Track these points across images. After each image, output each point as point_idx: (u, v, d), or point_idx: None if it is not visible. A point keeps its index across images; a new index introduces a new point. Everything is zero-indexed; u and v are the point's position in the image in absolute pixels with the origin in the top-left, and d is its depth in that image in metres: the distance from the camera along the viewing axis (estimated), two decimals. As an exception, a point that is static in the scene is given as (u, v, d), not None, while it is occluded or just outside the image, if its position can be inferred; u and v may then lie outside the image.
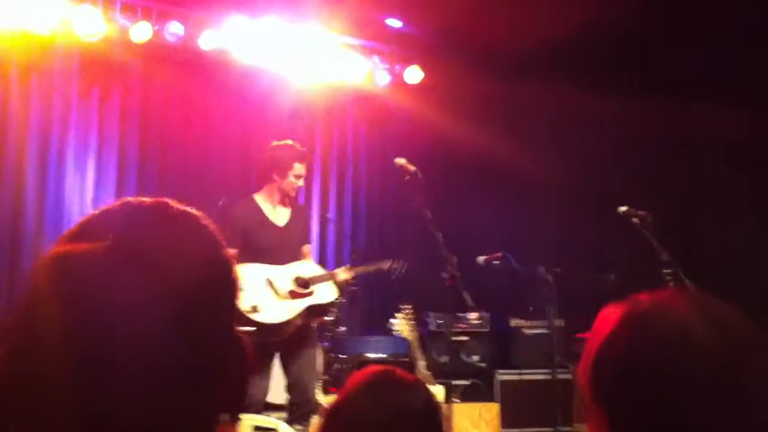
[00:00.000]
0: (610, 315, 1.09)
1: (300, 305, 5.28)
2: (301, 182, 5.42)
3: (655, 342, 1.04)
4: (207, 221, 0.95)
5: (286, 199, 5.47)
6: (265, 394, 5.38)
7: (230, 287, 0.93)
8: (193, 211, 0.96)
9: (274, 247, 5.34)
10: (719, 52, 7.68)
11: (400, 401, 1.81)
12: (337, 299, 5.49)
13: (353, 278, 5.74)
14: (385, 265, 5.55)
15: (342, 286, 5.60)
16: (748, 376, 1.01)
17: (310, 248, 5.87)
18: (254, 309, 5.09)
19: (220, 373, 0.89)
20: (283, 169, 5.39)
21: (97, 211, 0.93)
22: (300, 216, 5.63)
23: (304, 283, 5.37)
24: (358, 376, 1.91)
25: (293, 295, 5.29)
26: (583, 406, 1.11)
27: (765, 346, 1.04)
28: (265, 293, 5.22)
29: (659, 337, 1.04)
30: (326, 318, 5.91)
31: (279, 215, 5.46)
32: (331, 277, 5.51)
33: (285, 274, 5.35)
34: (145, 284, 0.84)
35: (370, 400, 1.82)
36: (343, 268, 5.59)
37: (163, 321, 0.83)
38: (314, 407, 5.08)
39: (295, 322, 5.23)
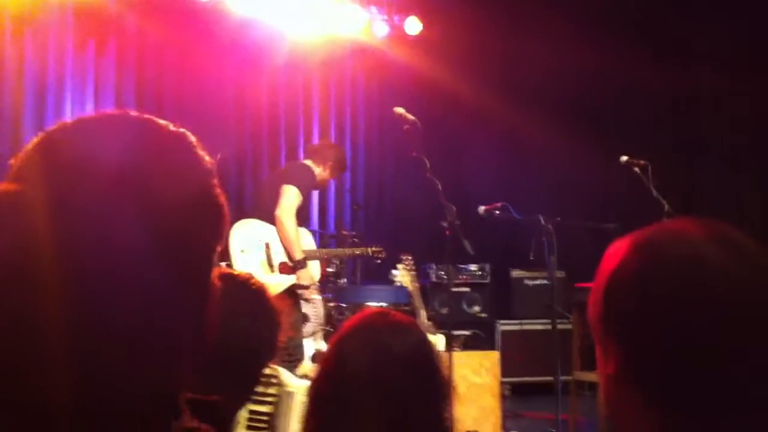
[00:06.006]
0: (617, 247, 1.05)
1: (286, 281, 5.22)
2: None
3: (667, 264, 0.99)
4: (197, 144, 0.90)
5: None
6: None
7: (219, 217, 0.90)
8: (182, 131, 0.90)
9: None
10: (720, 11, 7.60)
11: (387, 343, 1.76)
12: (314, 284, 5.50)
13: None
14: None
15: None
16: (760, 290, 0.97)
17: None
18: None
19: (202, 305, 0.87)
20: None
21: (84, 119, 0.88)
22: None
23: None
24: (350, 320, 1.89)
25: (283, 268, 5.24)
26: (596, 344, 1.06)
27: None
28: (261, 260, 5.17)
29: (670, 259, 0.99)
30: (328, 269, 5.92)
31: None
32: (320, 255, 5.56)
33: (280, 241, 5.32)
34: (137, 203, 0.81)
35: (357, 343, 1.78)
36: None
37: (153, 243, 0.81)
38: (301, 353, 5.13)
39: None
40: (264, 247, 5.21)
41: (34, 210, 0.79)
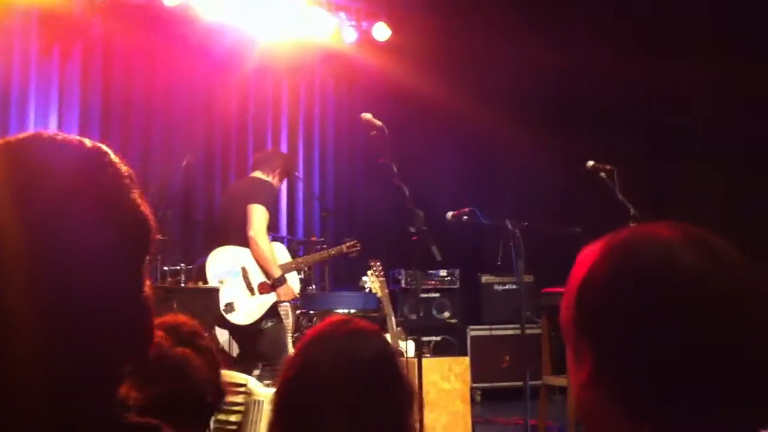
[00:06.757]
0: (590, 251, 1.04)
1: (267, 301, 5.28)
2: None
3: (638, 264, 0.98)
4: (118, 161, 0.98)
5: None
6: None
7: (149, 229, 0.97)
8: (103, 148, 0.98)
9: None
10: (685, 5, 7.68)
11: (349, 350, 1.77)
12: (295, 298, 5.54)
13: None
14: None
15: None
16: (736, 294, 0.96)
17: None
18: (230, 307, 5.10)
19: (140, 315, 0.95)
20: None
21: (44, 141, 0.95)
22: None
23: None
24: (314, 327, 1.90)
25: (263, 288, 5.27)
26: (568, 350, 1.05)
27: (749, 266, 0.99)
28: (240, 287, 5.22)
29: (642, 259, 0.98)
30: (298, 276, 5.93)
31: None
32: (297, 266, 5.58)
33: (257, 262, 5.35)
34: (95, 203, 0.90)
35: (318, 349, 1.79)
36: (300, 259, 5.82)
37: (108, 237, 0.90)
38: None
39: (259, 325, 5.27)
40: (241, 272, 5.24)
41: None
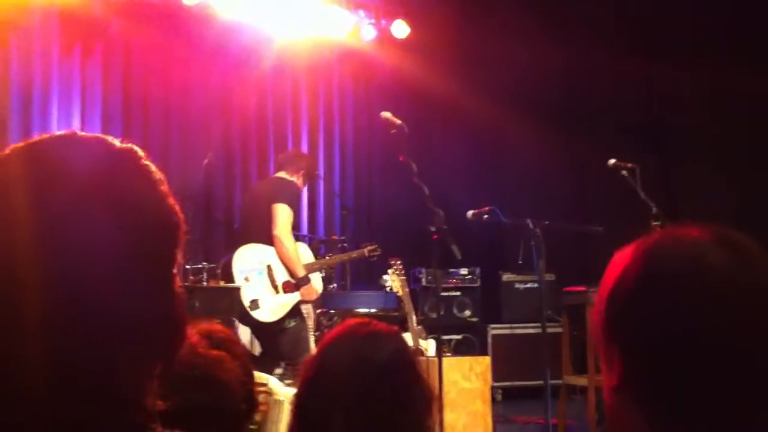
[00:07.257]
0: (621, 255, 1.03)
1: (291, 300, 5.32)
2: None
3: (665, 267, 0.98)
4: (146, 158, 0.97)
5: None
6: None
7: (175, 230, 0.96)
8: (131, 147, 0.98)
9: None
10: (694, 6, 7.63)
11: (366, 352, 1.77)
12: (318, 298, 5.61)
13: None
14: None
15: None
16: (763, 296, 0.95)
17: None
18: (255, 304, 5.15)
19: (169, 303, 0.93)
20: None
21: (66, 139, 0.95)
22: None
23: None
24: (333, 330, 1.90)
25: (287, 287, 5.31)
26: (599, 353, 1.05)
27: None
28: (265, 284, 5.26)
29: (670, 262, 0.98)
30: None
31: None
32: (320, 266, 5.63)
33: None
34: (110, 206, 0.89)
35: (338, 352, 1.79)
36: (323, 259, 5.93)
37: (124, 240, 0.88)
38: None
39: (282, 324, 5.31)
40: (266, 269, 5.29)
41: (16, 207, 0.86)
